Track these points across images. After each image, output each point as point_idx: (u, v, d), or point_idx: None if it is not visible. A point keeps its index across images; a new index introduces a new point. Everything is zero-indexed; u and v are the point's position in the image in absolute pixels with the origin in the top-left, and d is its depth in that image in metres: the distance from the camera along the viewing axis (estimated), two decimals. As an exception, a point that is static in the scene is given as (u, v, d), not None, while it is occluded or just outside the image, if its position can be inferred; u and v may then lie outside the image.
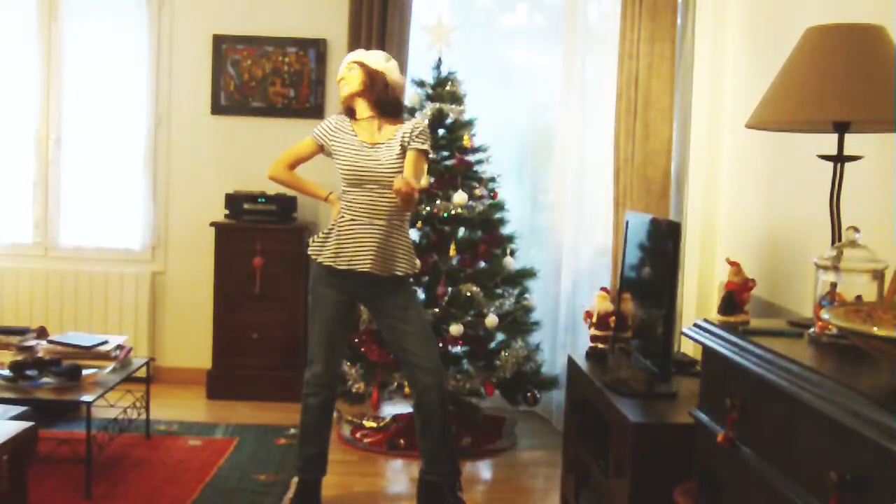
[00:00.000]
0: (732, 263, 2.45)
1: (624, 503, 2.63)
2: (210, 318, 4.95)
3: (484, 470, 4.10)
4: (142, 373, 4.08)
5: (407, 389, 3.89)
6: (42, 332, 4.19)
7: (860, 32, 2.18)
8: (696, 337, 2.18)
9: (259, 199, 4.90)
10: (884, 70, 2.11)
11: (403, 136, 3.32)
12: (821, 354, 1.84)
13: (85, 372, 3.66)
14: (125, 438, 3.99)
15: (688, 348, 3.70)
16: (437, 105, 4.27)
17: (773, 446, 1.75)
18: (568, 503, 3.42)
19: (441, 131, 4.33)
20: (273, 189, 4.69)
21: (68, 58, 5.14)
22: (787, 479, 1.67)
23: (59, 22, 5.11)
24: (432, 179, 4.19)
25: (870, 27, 2.18)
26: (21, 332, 4.12)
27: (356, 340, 4.23)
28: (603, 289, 3.64)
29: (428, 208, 4.19)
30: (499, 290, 4.28)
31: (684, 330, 2.29)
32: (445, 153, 4.30)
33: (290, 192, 4.71)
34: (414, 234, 3.98)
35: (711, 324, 2.19)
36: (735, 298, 2.31)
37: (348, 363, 4.17)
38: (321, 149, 3.41)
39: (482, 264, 4.28)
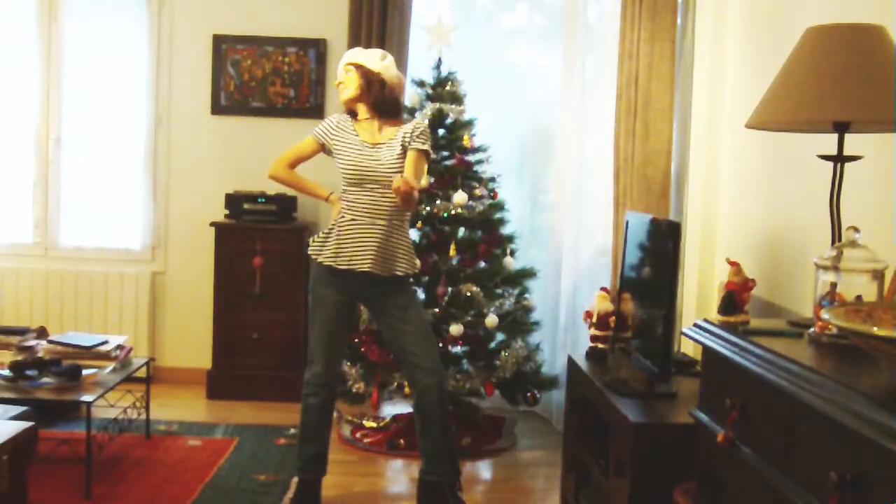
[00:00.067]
0: (732, 263, 2.45)
1: (624, 503, 2.63)
2: (210, 318, 4.95)
3: (484, 470, 4.10)
4: (142, 373, 4.08)
5: (407, 389, 3.89)
6: (42, 332, 4.19)
7: (860, 32, 2.18)
8: (696, 337, 2.18)
9: (259, 199, 4.91)
10: (884, 70, 2.11)
11: (404, 137, 3.32)
12: (821, 354, 1.84)
13: (85, 372, 3.67)
14: (125, 438, 3.99)
15: (688, 348, 3.70)
16: (437, 105, 4.27)
17: (773, 446, 1.75)
18: (568, 503, 3.42)
19: (441, 131, 4.33)
20: (273, 189, 4.69)
21: (68, 58, 5.14)
22: (787, 479, 1.67)
23: (59, 22, 5.11)
24: (432, 179, 4.20)
25: (870, 27, 2.18)
26: (21, 332, 4.12)
27: (356, 340, 4.23)
28: (603, 289, 3.64)
29: (428, 208, 4.19)
30: (499, 290, 4.28)
31: (684, 330, 2.29)
32: (445, 153, 4.30)
33: (290, 192, 4.71)
34: (414, 234, 3.98)
35: (711, 324, 2.19)
36: (735, 298, 2.31)
37: (348, 363, 4.17)
38: (322, 148, 3.41)
39: (482, 264, 4.28)
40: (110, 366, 3.86)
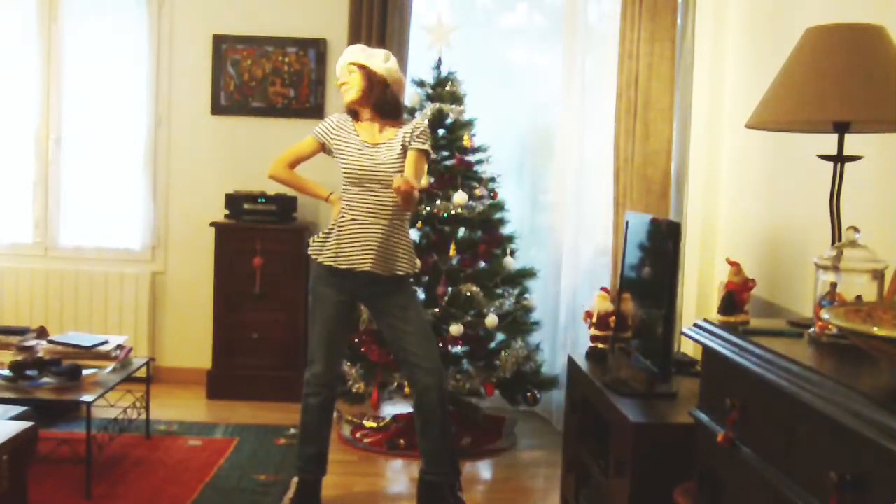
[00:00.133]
0: (732, 263, 2.45)
1: (624, 503, 2.63)
2: (210, 318, 4.95)
3: (484, 470, 4.10)
4: (142, 373, 4.08)
5: (407, 389, 3.89)
6: (42, 332, 4.19)
7: (860, 32, 2.18)
8: (696, 337, 2.18)
9: (259, 199, 4.90)
10: (884, 70, 2.11)
11: (404, 137, 3.32)
12: (821, 354, 1.84)
13: (85, 372, 3.66)
14: (125, 438, 3.99)
15: (688, 348, 3.70)
16: (437, 105, 4.27)
17: (773, 446, 1.75)
18: (568, 503, 3.42)
19: (441, 131, 4.33)
20: (273, 189, 4.69)
21: (68, 58, 5.14)
22: (787, 479, 1.67)
23: (59, 22, 5.11)
24: (432, 179, 4.20)
25: (870, 27, 2.18)
26: (21, 332, 4.12)
27: (356, 340, 4.23)
28: (603, 289, 3.64)
29: (428, 208, 4.19)
30: (499, 290, 4.28)
31: (684, 330, 2.29)
32: (445, 153, 4.30)
33: (290, 192, 4.71)
34: (414, 234, 3.98)
35: (711, 324, 2.19)
36: (735, 298, 2.31)
37: (348, 363, 4.17)
38: (322, 147, 3.41)
39: (482, 264, 4.28)
40: (110, 366, 3.86)
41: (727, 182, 3.83)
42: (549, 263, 4.66)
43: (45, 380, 3.60)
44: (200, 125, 5.16)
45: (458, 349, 4.27)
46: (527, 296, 4.37)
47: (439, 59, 4.37)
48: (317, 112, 5.02)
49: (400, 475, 4.00)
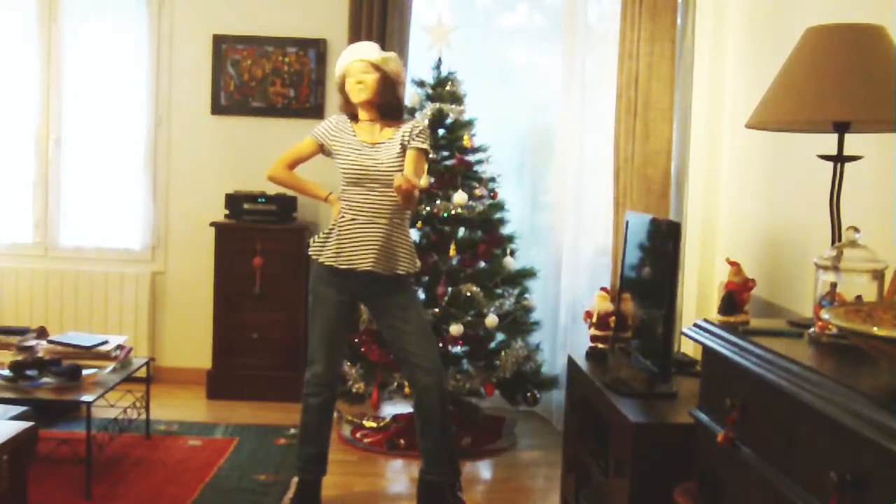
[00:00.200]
0: (732, 263, 2.45)
1: (624, 503, 2.63)
2: (210, 318, 4.95)
3: (484, 470, 4.10)
4: (142, 373, 4.08)
5: (407, 389, 3.89)
6: (42, 332, 4.19)
7: (860, 32, 2.18)
8: (696, 337, 2.18)
9: (259, 199, 4.91)
10: (884, 70, 2.11)
11: (403, 136, 3.32)
12: (821, 354, 1.84)
13: (85, 372, 3.66)
14: (125, 438, 3.99)
15: (688, 348, 3.70)
16: (437, 105, 4.27)
17: (773, 446, 1.75)
18: (568, 503, 3.42)
19: (441, 131, 4.33)
20: (273, 189, 4.68)
21: (68, 58, 5.14)
22: (787, 479, 1.67)
23: (59, 22, 5.11)
24: (432, 179, 4.19)
25: (870, 27, 2.18)
26: (21, 332, 4.12)
27: (356, 340, 4.23)
28: (603, 289, 3.64)
29: (428, 208, 4.19)
30: (499, 290, 4.28)
31: (684, 330, 2.29)
32: (445, 153, 4.30)
33: (290, 193, 4.71)
34: (414, 234, 3.97)
35: (711, 324, 2.19)
36: (735, 298, 2.31)
37: (348, 363, 4.17)
38: (321, 148, 3.41)
39: (482, 264, 4.28)
40: (110, 366, 3.86)
41: (727, 182, 3.83)
42: (549, 263, 4.66)
43: (45, 380, 3.60)
44: (200, 125, 5.15)
45: (458, 349, 4.27)
46: (527, 296, 4.37)
47: (439, 59, 4.37)
48: (317, 112, 5.02)
49: (400, 475, 4.00)
